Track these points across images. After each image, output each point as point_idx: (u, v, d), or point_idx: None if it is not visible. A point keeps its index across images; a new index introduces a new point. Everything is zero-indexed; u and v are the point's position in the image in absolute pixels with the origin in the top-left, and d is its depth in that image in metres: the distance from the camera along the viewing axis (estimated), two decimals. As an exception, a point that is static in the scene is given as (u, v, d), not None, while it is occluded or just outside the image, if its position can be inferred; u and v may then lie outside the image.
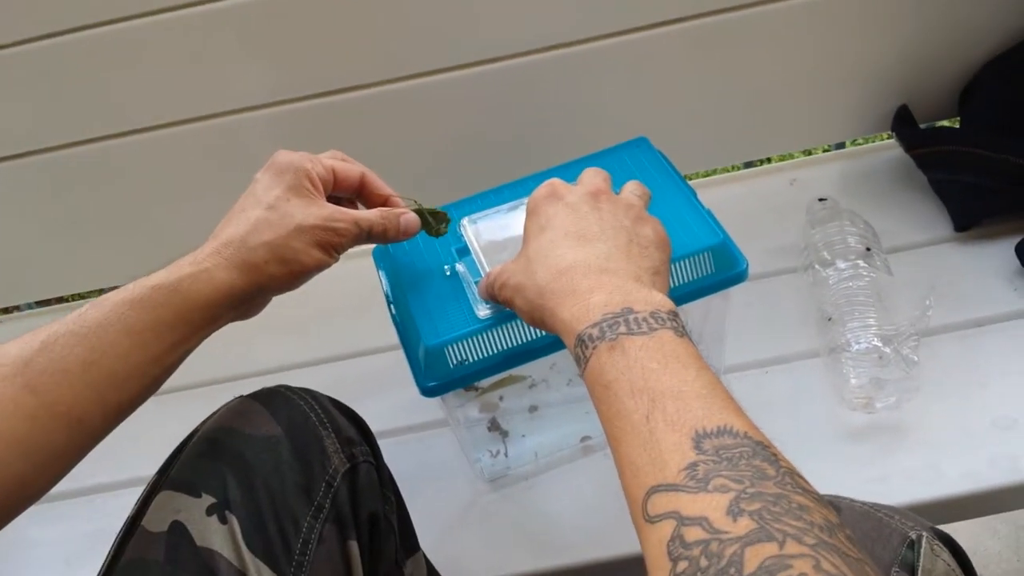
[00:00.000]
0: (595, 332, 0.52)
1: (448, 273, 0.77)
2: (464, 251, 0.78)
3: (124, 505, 0.68)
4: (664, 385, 0.48)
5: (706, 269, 0.74)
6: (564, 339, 0.56)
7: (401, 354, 0.77)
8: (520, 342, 0.73)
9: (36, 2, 0.96)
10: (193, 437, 0.67)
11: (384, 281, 0.81)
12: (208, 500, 0.61)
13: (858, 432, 0.83)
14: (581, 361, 0.53)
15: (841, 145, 1.21)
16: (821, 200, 0.98)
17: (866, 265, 0.88)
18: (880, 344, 0.82)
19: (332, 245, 0.65)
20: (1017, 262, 0.94)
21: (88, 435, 0.57)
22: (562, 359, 0.81)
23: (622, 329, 0.51)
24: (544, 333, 0.72)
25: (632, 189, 0.65)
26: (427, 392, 0.72)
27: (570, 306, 0.55)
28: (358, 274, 0.94)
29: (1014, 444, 0.79)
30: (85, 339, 0.56)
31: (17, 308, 1.27)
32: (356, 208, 0.72)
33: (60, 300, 1.29)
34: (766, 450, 0.44)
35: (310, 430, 0.66)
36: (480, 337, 0.72)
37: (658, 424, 0.46)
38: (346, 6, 0.98)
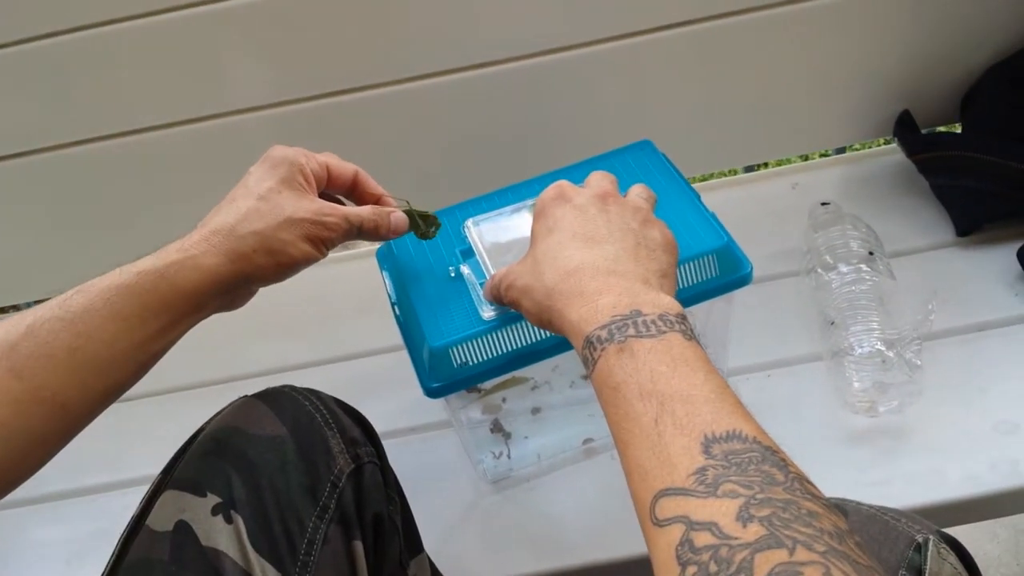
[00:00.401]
0: (603, 334, 0.52)
1: (452, 275, 0.78)
2: (468, 253, 0.78)
3: (127, 504, 0.68)
4: (673, 389, 0.48)
5: (710, 272, 0.74)
6: (571, 340, 0.56)
7: (404, 355, 0.77)
8: (525, 344, 0.73)
9: (38, 2, 0.96)
10: (198, 436, 0.67)
11: (388, 282, 0.81)
12: (213, 500, 0.61)
13: (860, 436, 0.83)
14: (589, 363, 0.53)
15: (842, 150, 1.21)
16: (824, 204, 0.99)
17: (869, 269, 0.89)
18: (883, 348, 0.82)
19: (321, 239, 0.65)
20: (1019, 267, 0.94)
21: (71, 421, 0.57)
22: (565, 361, 0.81)
23: (631, 331, 0.51)
24: (549, 335, 0.73)
25: (638, 192, 0.65)
26: (431, 393, 0.72)
27: (578, 307, 0.55)
28: (361, 275, 0.94)
29: (1015, 448, 0.80)
30: (71, 324, 0.56)
31: (15, 308, 1.26)
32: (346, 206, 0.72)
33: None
34: (775, 455, 0.44)
35: (315, 430, 0.66)
36: (484, 339, 0.72)
37: (667, 427, 0.46)
38: (348, 7, 0.98)
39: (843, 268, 0.90)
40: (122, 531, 0.64)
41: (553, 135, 1.08)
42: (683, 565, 0.40)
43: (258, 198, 0.63)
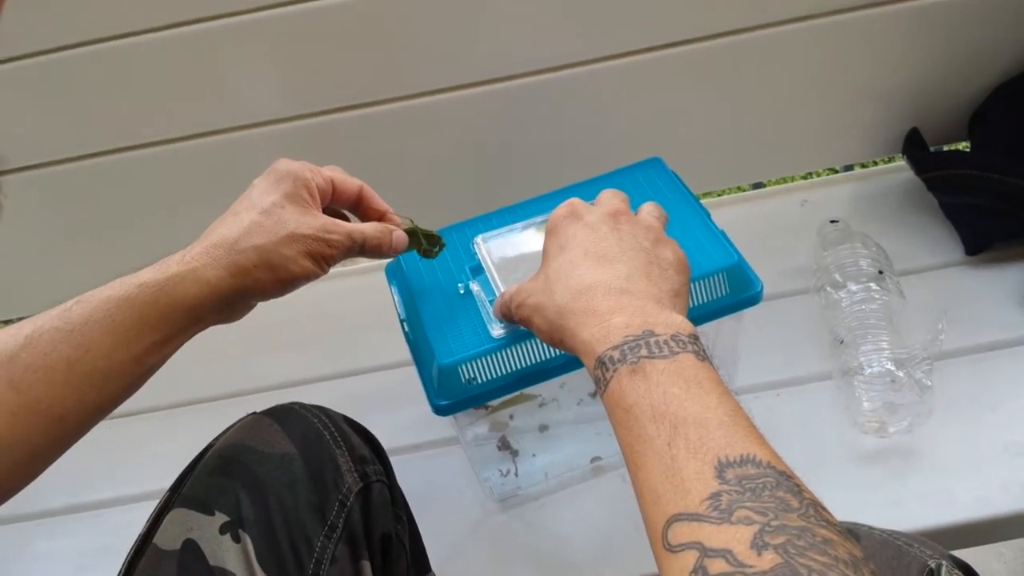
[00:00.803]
0: (616, 355, 0.51)
1: (462, 291, 0.77)
2: (478, 269, 0.78)
3: (132, 521, 0.67)
4: (686, 411, 0.47)
5: (721, 291, 0.74)
6: (583, 360, 0.55)
7: (410, 371, 0.76)
8: (534, 362, 0.72)
9: (48, 16, 0.97)
10: (206, 454, 0.66)
11: (397, 298, 0.81)
12: (221, 518, 0.60)
13: (870, 456, 0.82)
14: (601, 383, 0.52)
15: (850, 167, 1.21)
16: (833, 222, 0.98)
17: (879, 288, 0.88)
18: (893, 368, 0.82)
19: (323, 256, 0.64)
20: (1028, 286, 0.94)
21: (66, 433, 0.57)
22: (572, 379, 0.80)
23: (643, 352, 0.51)
24: (558, 353, 0.72)
25: (650, 211, 0.65)
26: (440, 411, 0.72)
27: (590, 327, 0.54)
28: (368, 290, 0.94)
29: (1026, 470, 0.79)
30: (70, 336, 0.56)
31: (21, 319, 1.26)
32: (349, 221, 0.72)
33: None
34: (789, 481, 0.44)
35: (324, 448, 0.65)
36: (494, 357, 0.71)
37: (680, 451, 0.46)
38: (356, 23, 0.98)
39: (853, 287, 0.89)
40: (127, 548, 0.64)
41: (562, 151, 1.08)
42: None
43: (261, 212, 0.63)
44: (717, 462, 0.44)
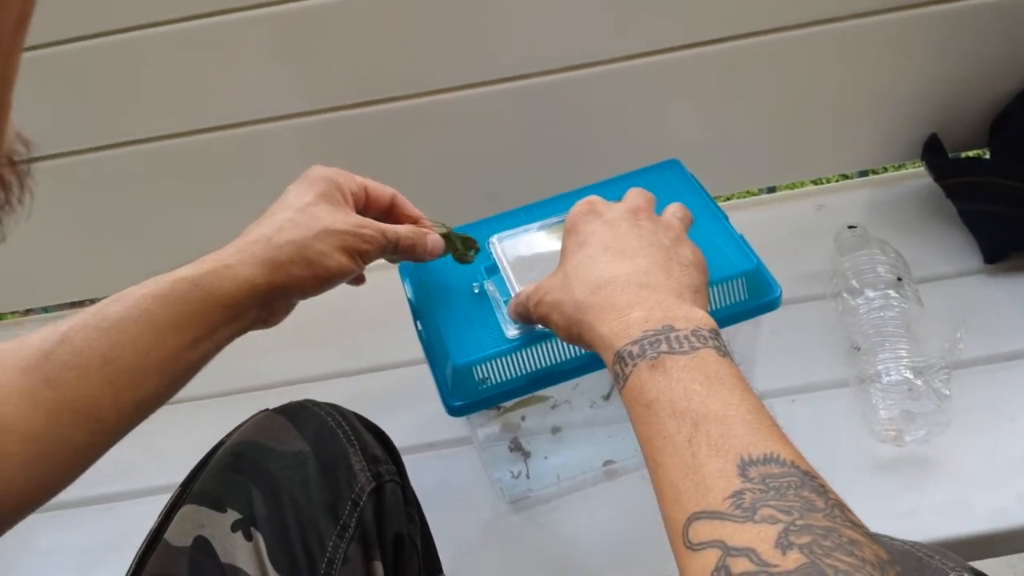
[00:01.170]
0: (635, 349, 0.51)
1: (476, 291, 0.77)
2: (493, 269, 0.78)
3: (142, 514, 0.67)
4: (707, 408, 0.46)
5: (739, 295, 0.73)
6: (602, 355, 0.54)
7: (422, 369, 0.76)
8: (549, 364, 0.72)
9: (65, 5, 0.96)
10: (218, 450, 0.66)
11: (411, 296, 0.80)
12: (233, 516, 0.60)
13: (886, 465, 0.81)
14: (620, 378, 0.51)
15: (865, 172, 1.20)
16: (851, 227, 0.97)
17: (897, 295, 0.87)
18: (911, 376, 0.81)
19: (358, 251, 0.64)
20: (1048, 296, 0.93)
21: (104, 433, 0.56)
22: (585, 380, 0.80)
23: (663, 347, 0.50)
24: (574, 355, 0.72)
25: (674, 211, 0.64)
26: (454, 412, 0.71)
27: (609, 321, 0.54)
28: (380, 287, 0.93)
29: (1044, 481, 0.78)
30: (106, 333, 0.55)
31: (45, 310, 1.26)
32: None
33: (77, 304, 1.29)
34: (813, 481, 0.43)
35: (337, 447, 0.65)
36: (509, 358, 0.71)
37: (701, 448, 0.45)
38: (374, 19, 0.98)
39: (870, 293, 0.89)
40: (137, 542, 0.63)
41: (578, 151, 1.07)
42: None
43: (296, 210, 0.63)
44: (740, 460, 0.44)
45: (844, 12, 0.99)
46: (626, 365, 0.51)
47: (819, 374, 0.91)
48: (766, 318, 0.76)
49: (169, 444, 0.88)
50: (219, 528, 0.60)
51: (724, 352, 0.51)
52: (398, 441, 0.72)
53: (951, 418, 0.81)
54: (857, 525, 0.41)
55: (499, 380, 0.71)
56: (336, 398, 0.72)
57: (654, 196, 0.65)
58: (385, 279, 0.92)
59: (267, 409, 0.68)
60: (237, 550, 0.59)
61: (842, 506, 0.42)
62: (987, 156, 1.10)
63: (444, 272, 0.79)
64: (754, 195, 1.24)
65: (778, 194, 1.18)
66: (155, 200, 1.11)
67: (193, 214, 1.12)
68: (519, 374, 0.72)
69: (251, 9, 0.97)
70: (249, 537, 0.59)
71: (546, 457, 0.87)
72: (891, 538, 0.59)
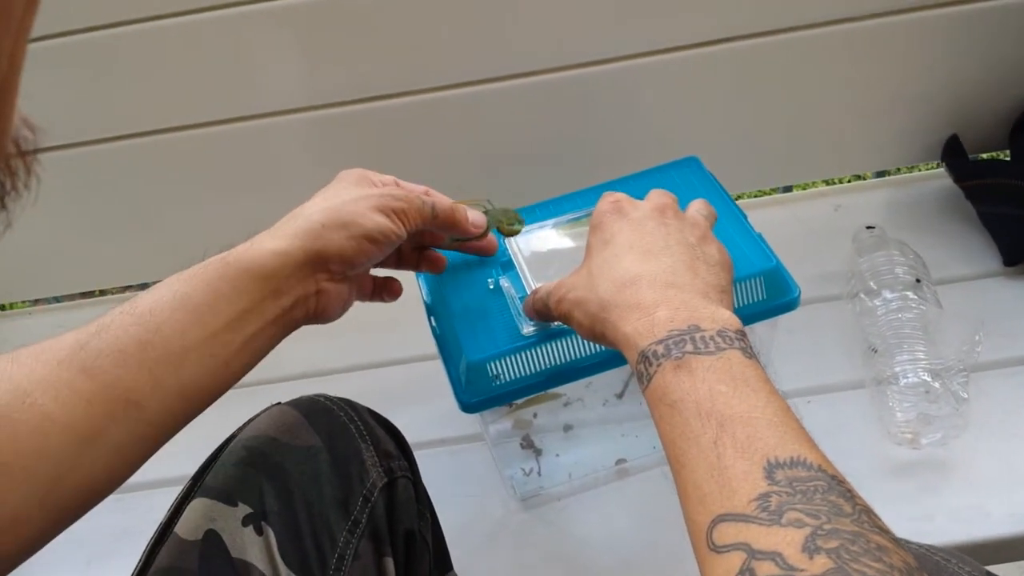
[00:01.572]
0: (660, 349, 0.50)
1: (491, 287, 0.76)
2: (508, 265, 0.77)
3: (151, 506, 0.66)
4: (733, 409, 0.46)
5: (757, 295, 0.72)
6: (626, 354, 0.54)
7: (434, 364, 0.75)
8: (564, 361, 0.71)
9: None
10: (229, 443, 0.65)
11: (424, 291, 0.80)
12: (245, 510, 0.60)
13: (902, 468, 0.81)
14: (644, 378, 0.51)
15: (882, 173, 1.19)
16: (869, 228, 0.96)
17: (916, 297, 0.86)
18: (929, 379, 0.80)
19: (393, 209, 0.63)
20: (1068, 300, 0.92)
21: (146, 424, 0.54)
22: (599, 378, 0.79)
23: (688, 348, 0.49)
24: (589, 352, 0.71)
25: (698, 208, 0.63)
26: (467, 408, 0.71)
27: (634, 320, 0.53)
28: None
29: (1062, 486, 0.77)
30: (141, 319, 0.54)
31: (47, 300, 1.26)
32: None
33: (87, 295, 1.29)
34: (841, 485, 0.42)
35: (349, 442, 0.64)
36: (524, 355, 0.70)
37: (727, 449, 0.44)
38: (388, 13, 0.97)
39: (888, 295, 0.88)
40: (146, 532, 0.63)
41: (596, 148, 1.06)
42: None
43: (324, 197, 0.63)
44: (766, 462, 0.43)
45: (865, 11, 0.98)
46: (650, 365, 0.50)
47: (835, 375, 0.90)
48: (782, 318, 0.76)
49: (180, 436, 0.87)
50: (230, 522, 0.59)
51: (750, 354, 0.50)
52: (410, 436, 0.71)
53: (968, 421, 0.80)
54: (884, 531, 0.41)
55: (513, 377, 0.71)
56: (349, 392, 0.71)
57: (676, 196, 0.64)
58: (400, 274, 0.91)
59: (280, 403, 0.68)
60: (248, 545, 0.58)
61: (869, 511, 0.41)
62: (1007, 158, 1.08)
63: (459, 268, 0.78)
64: (769, 194, 1.23)
65: (795, 193, 1.17)
66: (165, 191, 1.11)
67: (202, 205, 1.12)
68: (533, 371, 0.71)
69: (261, 2, 0.96)
70: (260, 532, 0.59)
71: (558, 455, 0.86)
72: (908, 542, 0.58)
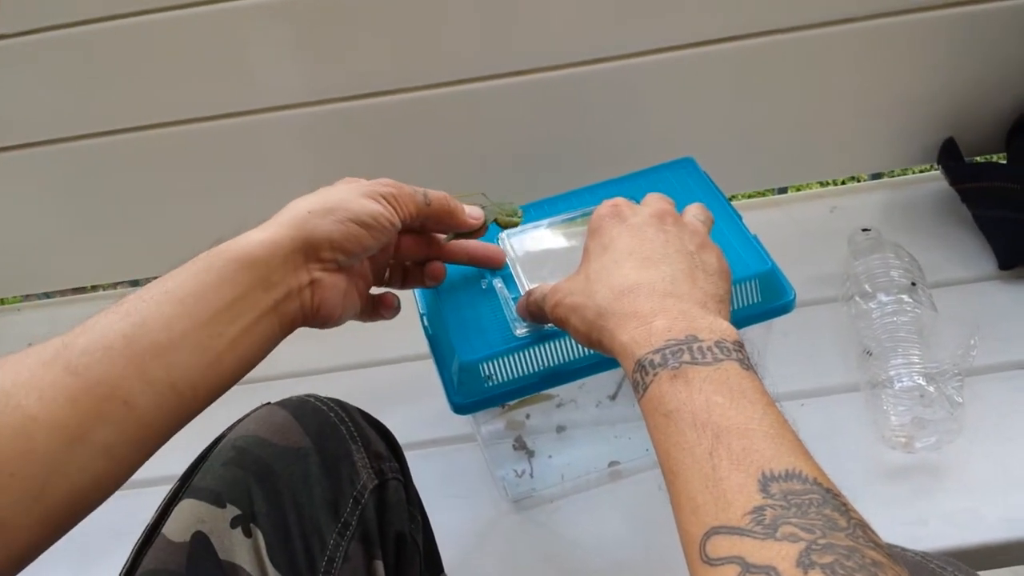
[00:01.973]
0: (657, 358, 0.50)
1: (484, 287, 0.75)
2: (502, 265, 0.76)
3: (140, 506, 0.65)
4: (729, 421, 0.45)
5: (752, 298, 0.72)
6: (622, 362, 0.53)
7: (426, 364, 0.75)
8: (557, 363, 0.71)
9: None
10: (218, 444, 0.64)
11: (417, 291, 0.79)
12: (233, 511, 0.59)
13: (896, 472, 0.80)
14: (640, 387, 0.50)
15: (878, 175, 1.19)
16: (864, 230, 0.96)
17: (910, 300, 0.86)
18: (924, 383, 0.80)
19: (382, 195, 0.62)
20: (1063, 304, 0.91)
21: (136, 424, 0.51)
22: (591, 380, 0.79)
23: (686, 358, 0.49)
24: (582, 355, 0.70)
25: (696, 213, 0.63)
26: (460, 410, 0.70)
27: (631, 329, 0.52)
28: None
29: (1056, 491, 0.77)
30: (126, 316, 0.52)
31: (37, 296, 1.25)
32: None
33: (78, 291, 1.28)
34: (836, 499, 0.42)
35: (340, 444, 0.64)
36: (516, 356, 0.70)
37: (722, 461, 0.44)
38: (386, 9, 0.96)
39: (883, 297, 0.87)
40: (134, 535, 0.62)
41: (591, 148, 1.06)
42: None
43: (319, 191, 0.63)
44: (761, 475, 0.42)
45: (864, 12, 0.98)
46: (647, 374, 0.50)
47: (830, 378, 0.90)
48: (777, 320, 0.75)
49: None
50: (218, 524, 0.58)
51: (748, 365, 0.49)
52: (401, 437, 0.71)
53: (963, 425, 0.80)
54: (879, 545, 0.40)
55: (505, 378, 0.70)
56: (339, 392, 0.70)
57: (674, 200, 0.64)
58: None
59: (269, 403, 0.67)
60: (236, 547, 0.57)
61: (864, 526, 0.41)
62: (1004, 161, 1.08)
63: (452, 267, 0.78)
64: (765, 195, 1.23)
65: (790, 195, 1.17)
66: (158, 186, 1.10)
67: (196, 201, 1.11)
68: (526, 373, 0.70)
69: (259, -4, 0.95)
70: (249, 534, 0.58)
71: (550, 456, 0.86)
72: (903, 549, 0.58)
